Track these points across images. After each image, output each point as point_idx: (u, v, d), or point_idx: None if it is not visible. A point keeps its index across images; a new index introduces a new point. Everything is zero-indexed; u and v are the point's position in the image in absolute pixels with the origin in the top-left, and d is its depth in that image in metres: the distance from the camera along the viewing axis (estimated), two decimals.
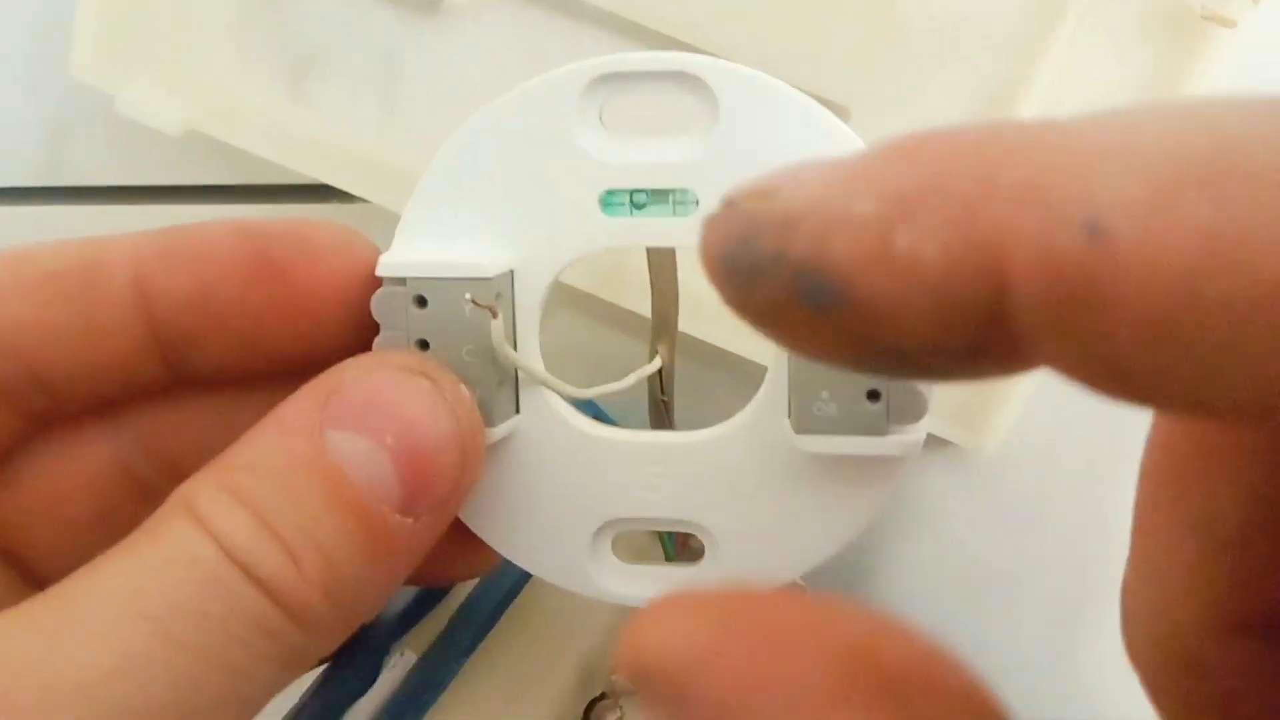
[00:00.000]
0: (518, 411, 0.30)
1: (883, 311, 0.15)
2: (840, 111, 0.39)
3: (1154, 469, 0.20)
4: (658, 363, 0.34)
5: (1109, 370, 0.14)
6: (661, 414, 0.36)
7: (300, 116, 0.43)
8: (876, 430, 0.28)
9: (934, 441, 0.41)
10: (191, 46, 0.42)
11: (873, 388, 0.27)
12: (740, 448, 0.29)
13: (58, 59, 0.42)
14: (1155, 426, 0.20)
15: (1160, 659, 0.19)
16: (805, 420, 0.28)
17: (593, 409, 0.42)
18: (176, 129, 0.41)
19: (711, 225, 0.17)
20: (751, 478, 0.29)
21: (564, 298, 0.41)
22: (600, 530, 0.30)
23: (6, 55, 0.46)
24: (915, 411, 0.28)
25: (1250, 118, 0.13)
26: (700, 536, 0.30)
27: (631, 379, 0.32)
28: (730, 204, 0.17)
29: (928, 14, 0.39)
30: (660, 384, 0.36)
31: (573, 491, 0.30)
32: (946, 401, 0.40)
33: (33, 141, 0.46)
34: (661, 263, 0.34)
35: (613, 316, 0.41)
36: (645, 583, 0.31)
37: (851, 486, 0.29)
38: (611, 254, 0.38)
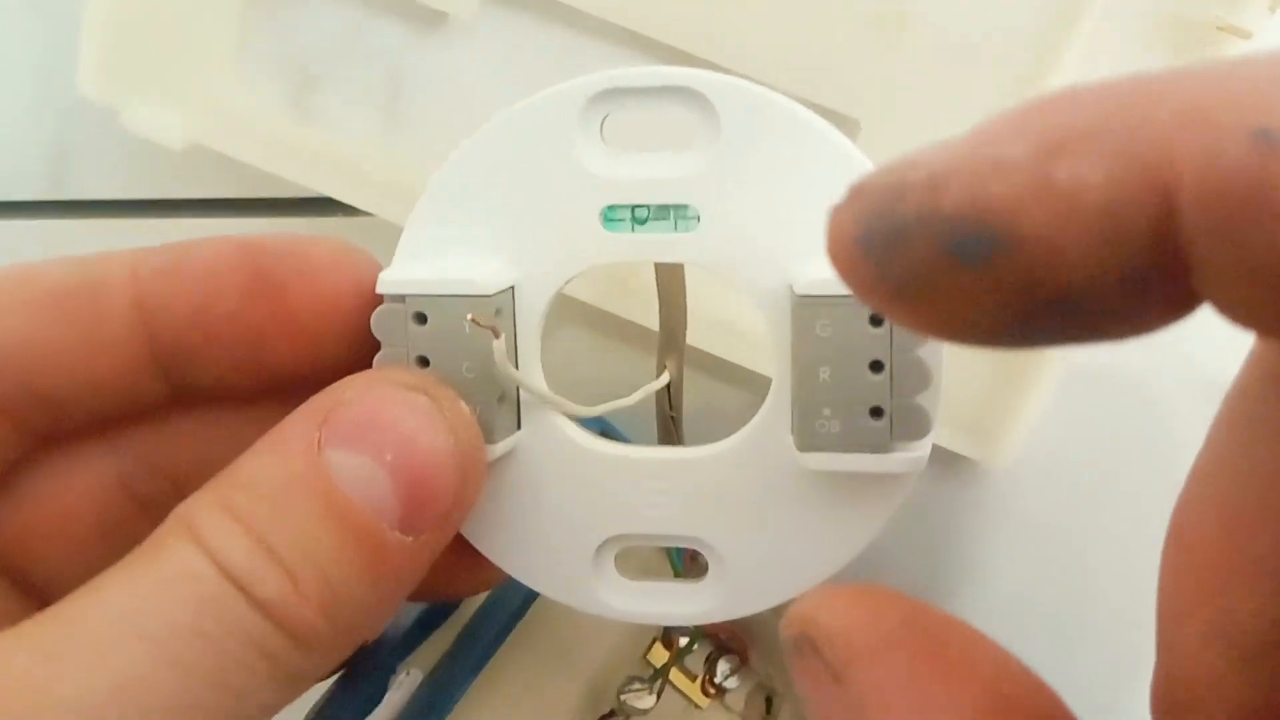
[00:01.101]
0: (519, 428, 0.30)
1: (1049, 249, 0.14)
2: (851, 125, 0.39)
3: (1174, 574, 0.19)
4: (665, 378, 0.34)
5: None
6: (670, 429, 0.36)
7: (304, 130, 0.42)
8: (880, 447, 0.27)
9: (946, 456, 0.41)
10: (196, 62, 0.42)
11: (876, 405, 0.27)
12: (743, 464, 0.29)
13: (62, 75, 0.42)
14: (1175, 533, 0.19)
15: None
16: (809, 438, 0.27)
17: (602, 425, 0.42)
18: (181, 144, 0.41)
19: (840, 208, 0.16)
20: (755, 494, 0.29)
21: (570, 311, 0.40)
22: (603, 546, 0.30)
23: (11, 71, 0.46)
24: (919, 429, 0.27)
25: None
26: (704, 552, 0.30)
27: (638, 395, 0.32)
28: (859, 186, 0.16)
29: (939, 26, 0.38)
30: (669, 399, 0.35)
31: (575, 507, 0.30)
32: (959, 416, 0.40)
33: (38, 157, 0.47)
34: (670, 277, 0.34)
35: (620, 330, 0.41)
36: (648, 599, 0.31)
37: (856, 503, 0.29)
38: (618, 268, 0.38)
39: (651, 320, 0.36)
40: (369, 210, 0.41)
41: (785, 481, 0.29)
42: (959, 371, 0.40)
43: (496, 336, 0.27)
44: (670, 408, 0.35)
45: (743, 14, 0.39)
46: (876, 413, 0.27)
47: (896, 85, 0.39)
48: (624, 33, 0.40)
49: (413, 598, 0.28)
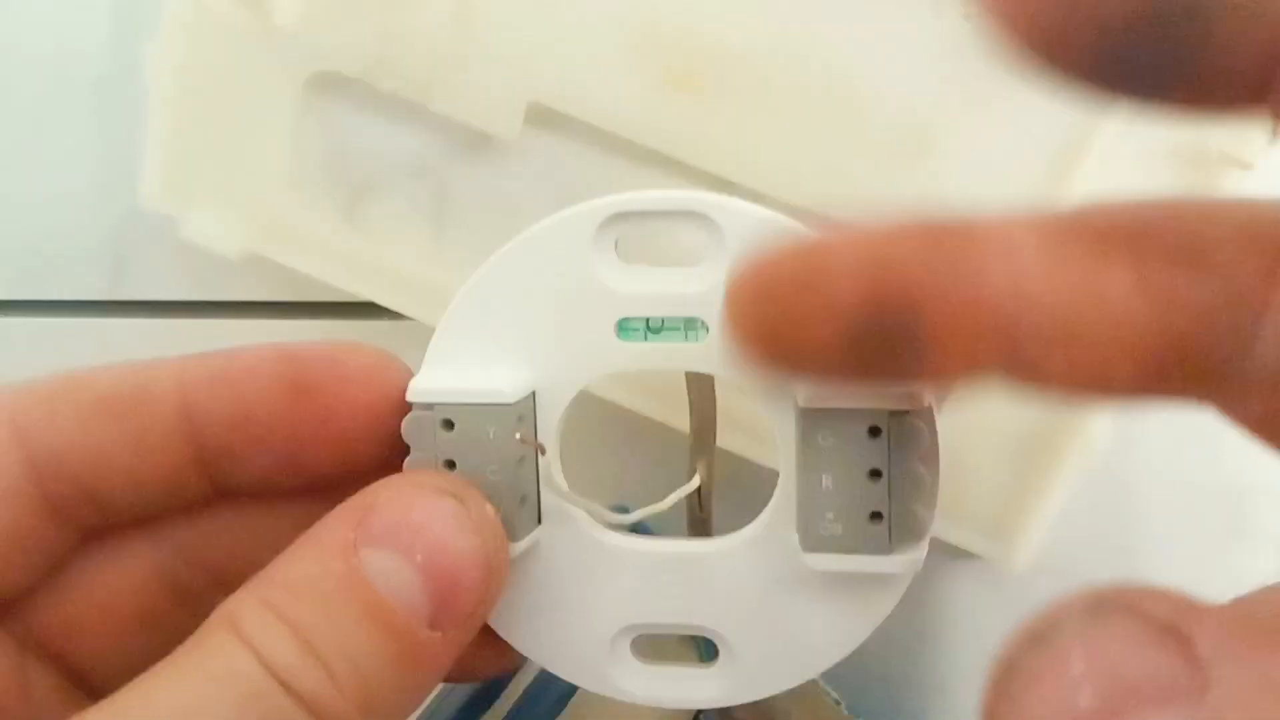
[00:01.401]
0: (539, 523, 0.31)
1: None
2: None
3: None
4: (696, 481, 0.35)
5: None
6: (700, 531, 0.37)
7: (355, 240, 0.44)
8: (880, 549, 0.29)
9: (963, 555, 0.42)
10: (252, 174, 0.44)
11: (875, 510, 0.28)
12: (750, 559, 0.31)
13: (123, 178, 0.44)
14: None
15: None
16: (812, 539, 0.29)
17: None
18: (237, 253, 0.43)
19: None
20: (761, 587, 0.31)
21: (601, 413, 0.42)
22: (619, 634, 0.32)
23: (74, 173, 0.48)
24: (917, 532, 0.29)
25: None
26: (714, 640, 0.32)
27: (670, 500, 0.33)
28: None
29: (956, 147, 0.40)
30: (699, 502, 0.36)
31: (592, 597, 0.31)
32: (976, 516, 0.41)
33: (97, 258, 0.48)
34: (700, 386, 0.35)
35: (650, 431, 0.42)
36: (663, 683, 0.32)
37: (856, 598, 0.30)
38: (650, 376, 0.39)
39: (681, 422, 0.38)
40: (414, 316, 0.43)
41: (790, 576, 0.30)
42: (976, 470, 0.41)
43: (542, 453, 0.29)
44: (700, 510, 0.36)
45: (775, 143, 0.40)
46: (876, 517, 0.28)
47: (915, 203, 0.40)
48: (657, 155, 0.41)
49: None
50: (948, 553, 0.41)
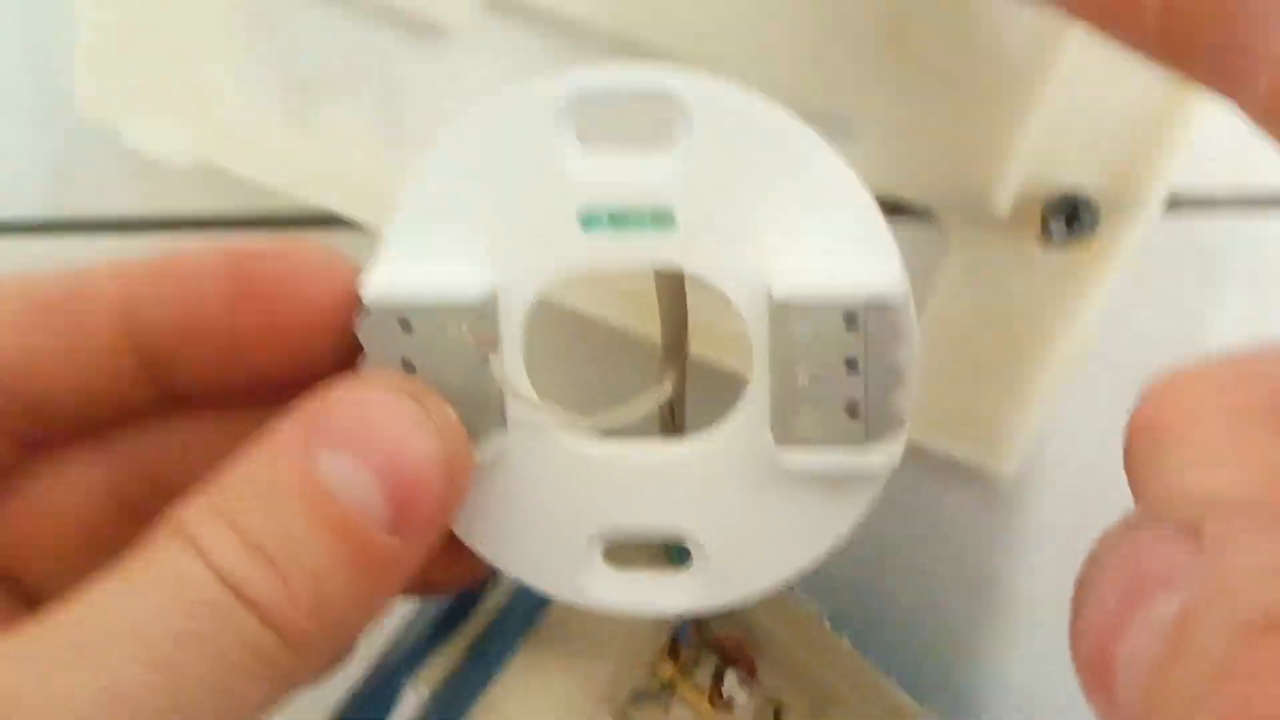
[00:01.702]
0: (505, 428, 0.30)
1: None
2: (845, 127, 0.38)
3: None
4: (667, 388, 0.34)
5: None
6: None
7: (306, 144, 0.43)
8: (856, 445, 0.28)
9: (951, 464, 0.41)
10: (195, 77, 0.42)
11: (851, 404, 0.28)
12: (722, 459, 0.30)
13: (65, 91, 0.42)
14: None
15: None
16: (786, 435, 0.28)
17: None
18: (182, 160, 0.42)
19: None
20: (734, 488, 0.30)
21: (569, 319, 0.40)
22: (590, 541, 0.31)
23: (12, 90, 0.47)
24: (894, 425, 0.28)
25: None
26: (687, 545, 0.31)
27: (641, 406, 0.32)
28: None
29: (939, 32, 0.38)
30: (672, 412, 0.35)
31: (561, 504, 0.31)
32: (963, 424, 0.40)
33: (39, 175, 0.47)
34: (670, 288, 0.34)
35: (623, 343, 0.41)
36: (635, 590, 0.32)
37: (832, 497, 0.29)
38: (623, 275, 0.38)
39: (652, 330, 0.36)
40: (371, 223, 0.42)
41: (764, 475, 0.30)
42: (961, 377, 0.40)
43: (493, 352, 0.28)
44: (673, 420, 0.35)
45: (740, 20, 0.39)
46: (852, 412, 0.28)
47: (893, 91, 0.39)
48: (622, 42, 0.39)
49: (404, 593, 0.28)
50: (935, 464, 0.40)
